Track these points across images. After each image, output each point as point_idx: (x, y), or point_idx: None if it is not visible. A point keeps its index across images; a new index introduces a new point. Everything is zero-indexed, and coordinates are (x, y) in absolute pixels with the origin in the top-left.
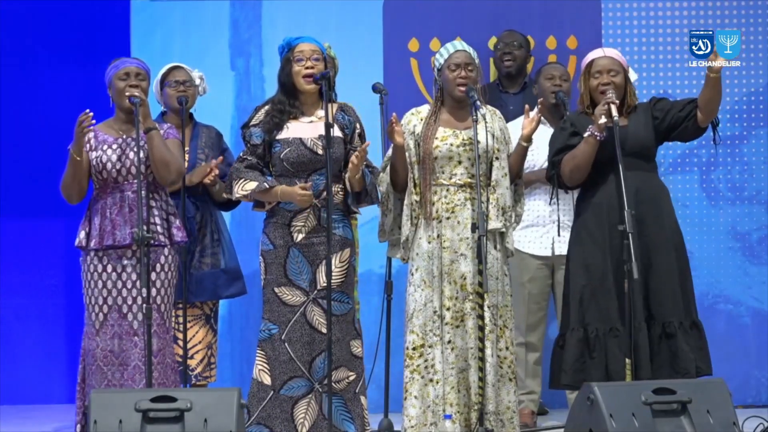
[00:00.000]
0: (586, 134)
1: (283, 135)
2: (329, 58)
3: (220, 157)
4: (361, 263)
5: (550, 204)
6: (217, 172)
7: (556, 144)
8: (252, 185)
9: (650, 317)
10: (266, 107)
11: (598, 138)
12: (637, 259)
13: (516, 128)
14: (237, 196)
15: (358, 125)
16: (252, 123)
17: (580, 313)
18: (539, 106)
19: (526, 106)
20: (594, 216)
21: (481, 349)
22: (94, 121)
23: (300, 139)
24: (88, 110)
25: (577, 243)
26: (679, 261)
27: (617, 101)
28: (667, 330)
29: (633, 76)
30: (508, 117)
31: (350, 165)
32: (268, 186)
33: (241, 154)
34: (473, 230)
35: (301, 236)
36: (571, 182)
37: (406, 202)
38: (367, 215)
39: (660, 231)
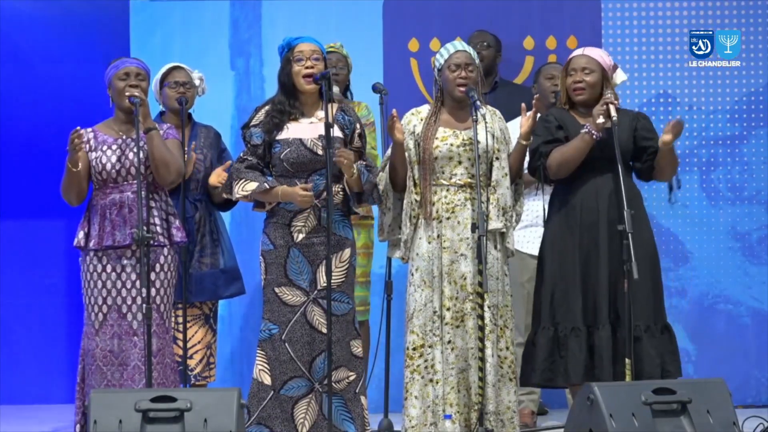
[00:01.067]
0: (583, 131)
1: (283, 135)
2: (341, 57)
3: (227, 162)
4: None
5: (535, 195)
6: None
7: (541, 136)
8: (252, 186)
9: (617, 319)
10: (266, 107)
11: (594, 137)
12: (625, 261)
13: (515, 128)
14: (237, 196)
15: (357, 125)
16: (252, 123)
17: (551, 312)
18: (535, 101)
19: (523, 105)
20: (567, 215)
21: (481, 349)
22: (85, 140)
23: (300, 139)
24: (78, 128)
25: (550, 241)
26: (650, 265)
27: (616, 101)
28: (634, 333)
29: (621, 77)
30: None
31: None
32: (268, 186)
33: (241, 155)
34: (473, 230)
35: (301, 236)
36: (557, 176)
37: (405, 201)
38: None
39: (632, 234)
